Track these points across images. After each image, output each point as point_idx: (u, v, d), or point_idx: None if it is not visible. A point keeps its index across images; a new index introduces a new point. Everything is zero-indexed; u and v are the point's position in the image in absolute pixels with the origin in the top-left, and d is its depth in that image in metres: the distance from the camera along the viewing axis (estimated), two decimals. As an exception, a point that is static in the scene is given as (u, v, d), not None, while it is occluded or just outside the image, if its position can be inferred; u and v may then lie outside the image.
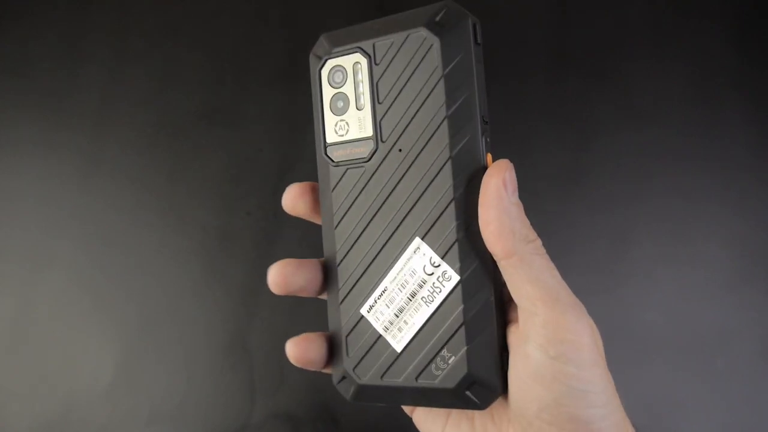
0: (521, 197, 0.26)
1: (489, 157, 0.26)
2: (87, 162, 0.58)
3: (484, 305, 0.25)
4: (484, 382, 0.25)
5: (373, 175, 0.27)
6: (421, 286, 0.26)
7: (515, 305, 0.25)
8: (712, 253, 0.54)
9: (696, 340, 0.52)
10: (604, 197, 0.55)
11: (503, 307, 0.26)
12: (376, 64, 0.27)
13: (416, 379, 0.27)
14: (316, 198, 0.30)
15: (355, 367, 0.28)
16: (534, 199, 0.55)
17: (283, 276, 0.29)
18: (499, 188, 0.24)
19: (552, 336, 0.23)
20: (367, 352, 0.28)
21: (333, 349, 0.29)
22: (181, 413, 0.53)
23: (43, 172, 0.59)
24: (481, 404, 0.25)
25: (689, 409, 0.51)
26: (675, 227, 0.54)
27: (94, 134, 0.59)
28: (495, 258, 0.24)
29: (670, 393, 0.51)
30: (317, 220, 0.30)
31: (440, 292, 0.26)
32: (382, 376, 0.27)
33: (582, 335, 0.23)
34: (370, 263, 0.28)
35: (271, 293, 0.55)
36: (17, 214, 0.58)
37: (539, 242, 0.24)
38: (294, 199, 0.30)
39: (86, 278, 0.56)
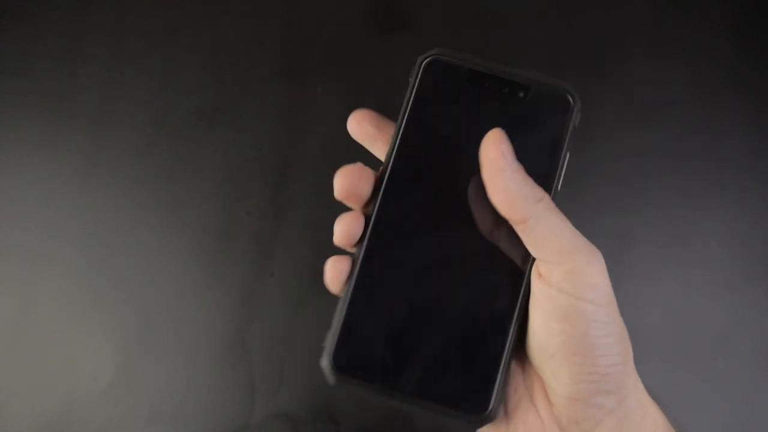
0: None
1: None
2: (87, 162, 0.58)
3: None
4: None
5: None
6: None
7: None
8: (712, 252, 0.54)
9: (696, 340, 0.52)
10: (604, 197, 0.55)
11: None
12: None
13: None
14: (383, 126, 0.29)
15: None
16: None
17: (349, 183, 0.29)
18: (498, 159, 0.25)
19: (577, 281, 0.25)
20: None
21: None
22: (181, 413, 0.53)
23: (43, 172, 0.59)
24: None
25: (689, 409, 0.51)
26: (675, 227, 0.54)
27: (94, 134, 0.59)
28: (512, 224, 0.26)
29: (670, 393, 0.51)
30: (375, 150, 0.30)
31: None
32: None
33: (600, 278, 0.25)
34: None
35: (271, 293, 0.55)
36: (17, 214, 0.58)
37: (547, 197, 0.25)
38: (365, 122, 0.29)
39: (86, 278, 0.56)
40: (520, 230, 0.25)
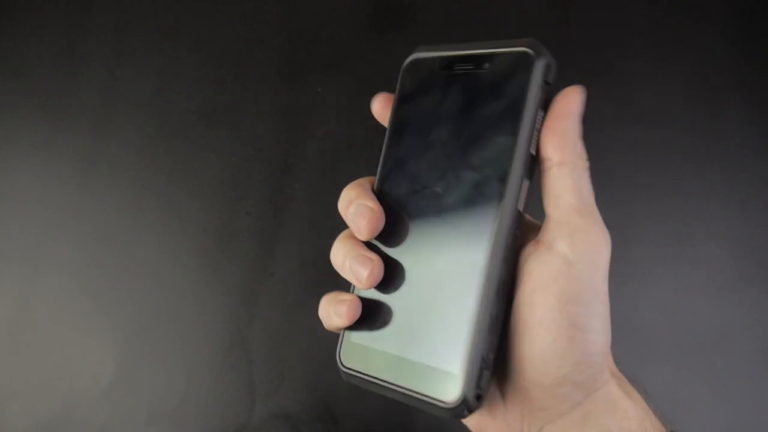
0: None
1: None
2: (87, 162, 0.58)
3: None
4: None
5: None
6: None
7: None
8: (712, 253, 0.54)
9: (696, 340, 0.52)
10: (604, 197, 0.55)
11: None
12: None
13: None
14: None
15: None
16: (533, 198, 0.55)
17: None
18: (578, 103, 0.26)
19: (577, 243, 0.24)
20: None
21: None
22: (181, 413, 0.53)
23: (43, 172, 0.59)
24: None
25: (689, 408, 0.51)
26: (675, 227, 0.54)
27: (94, 134, 0.59)
28: (547, 164, 0.25)
29: (670, 393, 0.51)
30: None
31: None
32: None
33: (602, 250, 0.24)
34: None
35: (271, 293, 0.55)
36: (17, 214, 0.58)
37: (588, 164, 0.26)
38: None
39: (86, 278, 0.56)
40: (552, 174, 0.25)
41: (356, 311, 0.27)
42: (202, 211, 0.57)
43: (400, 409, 0.52)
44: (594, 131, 0.57)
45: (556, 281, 0.24)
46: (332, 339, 0.29)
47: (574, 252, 0.24)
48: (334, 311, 0.27)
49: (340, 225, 0.30)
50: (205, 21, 0.61)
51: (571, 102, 0.26)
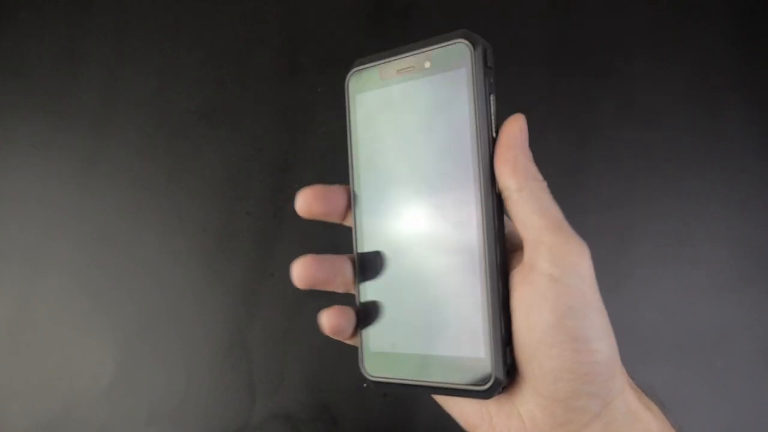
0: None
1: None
2: (87, 162, 0.58)
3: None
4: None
5: None
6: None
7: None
8: (712, 253, 0.54)
9: (696, 340, 0.52)
10: (604, 197, 0.55)
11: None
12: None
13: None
14: (330, 199, 0.30)
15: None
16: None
17: (305, 269, 0.29)
18: (522, 130, 0.26)
19: (557, 259, 0.24)
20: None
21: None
22: (181, 413, 0.53)
23: (43, 172, 0.59)
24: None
25: (689, 408, 0.51)
26: (675, 227, 0.54)
27: (94, 134, 0.59)
28: (506, 193, 0.26)
29: (670, 392, 0.51)
30: (332, 219, 0.31)
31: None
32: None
33: (582, 260, 0.25)
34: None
35: (271, 293, 0.55)
36: (17, 214, 0.58)
37: (545, 184, 0.26)
38: (309, 201, 0.30)
39: (86, 278, 0.56)
40: (513, 201, 0.26)
41: (336, 323, 0.28)
42: (202, 211, 0.57)
43: (400, 409, 0.52)
44: (594, 131, 0.57)
45: (547, 299, 0.24)
46: (332, 339, 0.29)
47: (556, 268, 0.24)
48: (322, 319, 0.29)
49: (340, 225, 0.30)
50: (205, 21, 0.61)
51: (514, 130, 0.26)
